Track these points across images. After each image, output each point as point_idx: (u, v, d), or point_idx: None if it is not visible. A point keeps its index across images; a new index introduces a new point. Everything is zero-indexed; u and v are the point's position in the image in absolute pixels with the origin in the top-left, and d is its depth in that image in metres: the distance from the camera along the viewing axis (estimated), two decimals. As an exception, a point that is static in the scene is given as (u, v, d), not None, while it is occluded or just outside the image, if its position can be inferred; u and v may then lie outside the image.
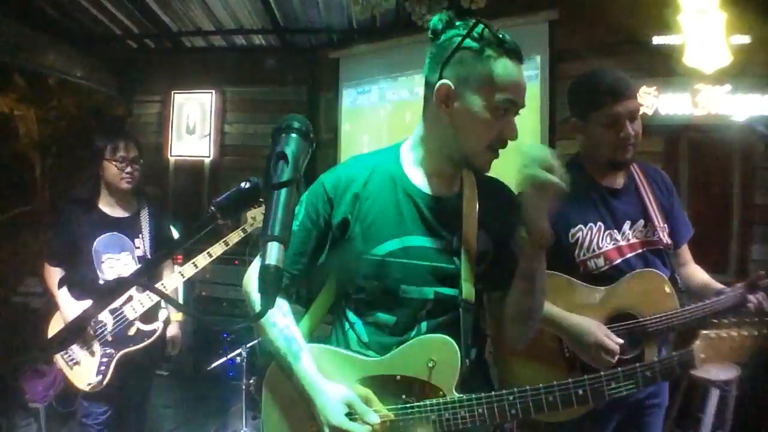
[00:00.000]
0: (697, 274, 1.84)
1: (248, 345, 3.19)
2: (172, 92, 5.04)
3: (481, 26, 1.12)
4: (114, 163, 2.42)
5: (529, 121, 3.67)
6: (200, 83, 4.97)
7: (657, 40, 3.10)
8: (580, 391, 1.11)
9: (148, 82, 5.12)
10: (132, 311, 2.36)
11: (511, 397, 1.11)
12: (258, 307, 0.69)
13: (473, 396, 1.13)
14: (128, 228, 2.50)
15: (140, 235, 2.52)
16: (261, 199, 0.78)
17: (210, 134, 4.95)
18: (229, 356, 3.18)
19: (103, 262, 2.40)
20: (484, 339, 1.38)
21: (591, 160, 1.73)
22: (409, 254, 1.19)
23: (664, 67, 3.03)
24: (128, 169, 2.44)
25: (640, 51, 3.23)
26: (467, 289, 1.19)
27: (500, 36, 1.13)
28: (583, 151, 1.77)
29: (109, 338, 2.33)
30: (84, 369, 2.31)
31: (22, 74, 4.47)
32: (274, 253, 0.69)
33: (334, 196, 1.23)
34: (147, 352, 2.44)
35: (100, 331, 2.33)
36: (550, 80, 3.62)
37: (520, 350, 1.61)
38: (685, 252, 1.86)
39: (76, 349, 2.33)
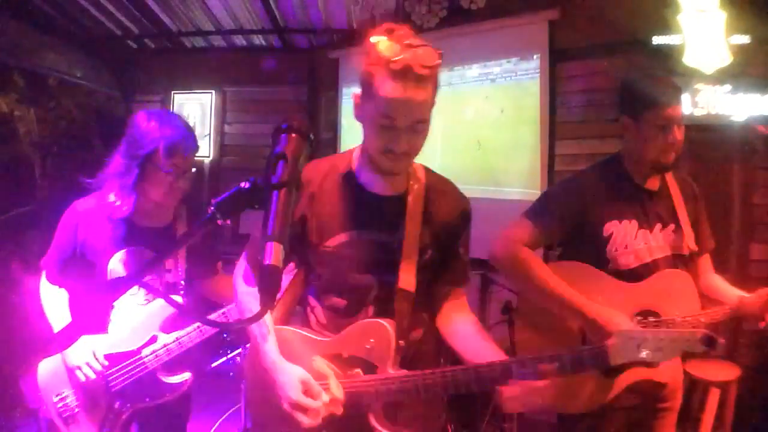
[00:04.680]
0: (717, 282, 1.85)
1: (248, 345, 3.20)
2: (172, 92, 5.04)
3: (382, 42, 1.18)
4: (164, 170, 1.73)
5: (529, 120, 3.68)
6: (200, 83, 4.97)
7: (657, 40, 3.10)
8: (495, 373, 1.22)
9: (148, 82, 5.12)
10: (154, 358, 1.80)
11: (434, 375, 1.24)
12: (253, 306, 0.70)
13: (404, 373, 1.26)
14: (158, 242, 1.82)
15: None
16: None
17: (210, 134, 4.95)
18: (229, 356, 3.19)
19: None
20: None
21: (634, 160, 1.76)
22: (355, 246, 1.34)
23: (664, 67, 3.02)
24: (179, 183, 1.77)
25: (640, 51, 3.22)
26: (405, 279, 1.33)
27: (392, 56, 1.15)
28: (626, 150, 1.79)
29: (119, 389, 1.78)
30: (83, 426, 1.79)
31: (22, 74, 4.47)
32: (273, 253, 0.70)
33: None
34: (168, 409, 1.86)
35: (108, 378, 1.77)
36: (550, 80, 3.61)
37: (539, 330, 1.76)
38: (706, 261, 1.89)
39: (73, 397, 1.77)
